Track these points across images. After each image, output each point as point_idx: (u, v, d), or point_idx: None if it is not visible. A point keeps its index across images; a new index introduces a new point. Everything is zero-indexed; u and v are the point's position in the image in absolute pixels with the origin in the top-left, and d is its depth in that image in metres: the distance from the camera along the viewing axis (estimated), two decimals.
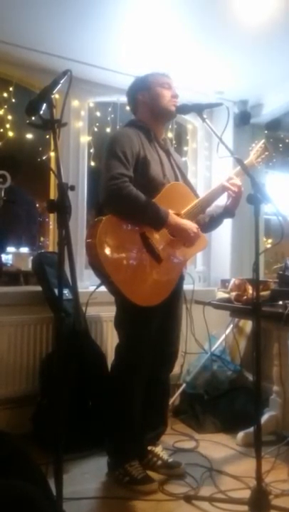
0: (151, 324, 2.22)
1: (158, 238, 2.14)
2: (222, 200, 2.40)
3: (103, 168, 2.16)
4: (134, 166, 2.17)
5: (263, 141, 2.51)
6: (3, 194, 2.82)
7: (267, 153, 2.50)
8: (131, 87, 2.40)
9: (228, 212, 2.41)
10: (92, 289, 2.38)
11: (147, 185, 2.16)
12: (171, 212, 2.15)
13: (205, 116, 2.10)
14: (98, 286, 2.23)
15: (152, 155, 2.26)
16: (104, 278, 2.09)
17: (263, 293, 2.58)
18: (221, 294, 2.94)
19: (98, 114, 3.36)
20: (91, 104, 3.33)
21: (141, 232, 2.11)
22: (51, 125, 1.57)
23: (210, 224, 2.43)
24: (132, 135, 2.23)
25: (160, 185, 2.22)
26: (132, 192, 2.06)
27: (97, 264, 2.06)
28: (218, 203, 2.40)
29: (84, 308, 2.39)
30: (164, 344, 2.36)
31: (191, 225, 2.20)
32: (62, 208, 1.50)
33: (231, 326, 3.45)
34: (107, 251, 2.02)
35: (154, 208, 2.10)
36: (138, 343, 2.23)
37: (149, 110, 2.33)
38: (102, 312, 2.97)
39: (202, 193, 2.45)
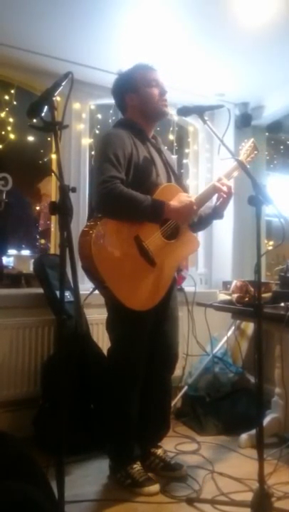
0: (144, 326, 2.21)
1: (151, 241, 2.12)
2: (211, 201, 2.39)
3: (95, 171, 2.15)
4: (127, 167, 2.15)
5: (251, 140, 2.50)
6: (4, 196, 2.82)
7: (256, 152, 2.49)
8: (116, 87, 2.35)
9: (217, 213, 2.40)
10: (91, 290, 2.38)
11: (141, 187, 2.14)
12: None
13: (206, 118, 2.09)
14: (93, 291, 2.21)
15: (145, 155, 2.25)
16: (99, 283, 2.07)
17: (264, 295, 2.58)
18: (223, 296, 2.94)
19: (99, 116, 3.37)
20: (92, 107, 3.34)
21: (135, 236, 2.09)
22: (52, 127, 1.56)
23: (198, 224, 2.41)
24: (124, 136, 2.20)
25: (154, 186, 2.20)
26: (123, 191, 2.04)
27: (91, 268, 2.02)
28: (207, 204, 2.38)
29: (85, 311, 2.40)
30: (164, 346, 2.36)
31: (184, 199, 2.17)
32: (63, 210, 1.49)
33: (233, 327, 3.44)
34: (101, 255, 1.99)
35: (149, 200, 2.08)
36: (130, 345, 2.21)
37: (139, 111, 2.31)
38: (103, 314, 2.96)
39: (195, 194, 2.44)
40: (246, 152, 2.46)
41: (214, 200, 2.39)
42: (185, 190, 2.39)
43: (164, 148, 2.49)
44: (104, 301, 2.27)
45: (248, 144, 2.47)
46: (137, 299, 2.07)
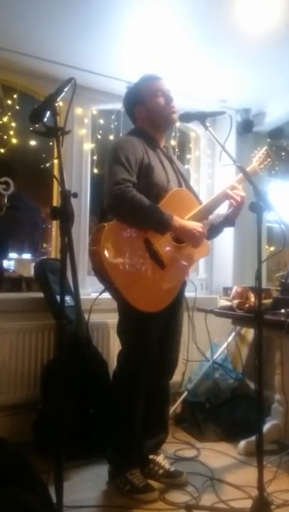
0: (154, 331, 2.22)
1: (161, 244, 2.14)
2: (222, 209, 2.40)
3: (107, 174, 2.17)
4: (138, 172, 2.17)
5: (265, 147, 2.51)
6: (6, 200, 2.83)
7: (269, 159, 2.50)
8: (125, 101, 2.41)
9: (228, 221, 2.41)
10: (94, 295, 2.38)
11: (151, 192, 2.17)
12: (174, 215, 2.15)
13: (208, 124, 2.10)
14: (101, 293, 2.22)
15: (156, 162, 2.27)
16: (109, 284, 2.08)
17: (265, 301, 2.58)
18: (223, 302, 2.94)
19: (101, 121, 3.38)
20: (94, 112, 3.35)
21: (144, 238, 2.12)
22: (55, 132, 1.57)
23: (210, 232, 2.42)
24: (135, 142, 2.24)
25: (163, 192, 2.22)
26: (135, 196, 2.07)
27: (101, 270, 2.05)
28: (218, 212, 2.40)
29: (86, 315, 2.40)
30: (165, 351, 2.36)
31: (195, 225, 2.19)
32: (65, 215, 1.50)
33: (233, 334, 3.44)
34: (111, 257, 2.02)
35: (158, 211, 2.11)
36: (141, 350, 2.22)
37: (149, 122, 2.34)
38: (104, 319, 2.97)
39: (205, 200, 2.45)
40: (259, 159, 2.46)
41: (225, 207, 2.39)
42: (196, 196, 2.40)
43: (175, 158, 2.51)
44: (117, 304, 2.28)
45: (261, 152, 2.48)
46: (145, 301, 2.08)
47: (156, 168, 2.25)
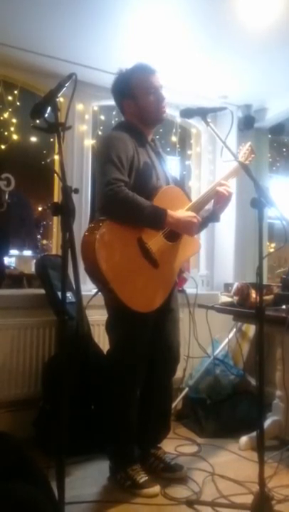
0: (145, 327, 2.21)
1: (154, 243, 2.13)
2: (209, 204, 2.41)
3: (98, 173, 2.15)
4: (129, 170, 2.16)
5: (248, 143, 2.53)
6: (7, 197, 2.83)
7: (253, 155, 2.52)
8: (114, 89, 2.34)
9: (214, 216, 2.41)
10: (95, 292, 2.38)
11: (142, 190, 2.15)
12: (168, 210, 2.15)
13: (209, 120, 2.09)
14: (96, 293, 2.21)
15: (145, 159, 2.26)
16: (103, 285, 2.05)
17: (266, 297, 2.58)
18: (224, 298, 2.94)
19: (102, 117, 3.38)
20: (95, 108, 3.34)
21: (138, 237, 2.10)
22: (56, 128, 1.57)
23: None
24: (126, 139, 2.21)
25: (154, 190, 2.21)
26: (128, 195, 2.05)
27: (95, 270, 2.02)
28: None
29: (87, 312, 2.40)
30: (164, 348, 2.36)
31: (189, 215, 2.19)
32: (66, 211, 1.50)
33: (234, 330, 3.44)
34: (105, 257, 1.99)
35: (152, 208, 2.10)
36: (131, 347, 2.21)
37: (137, 118, 2.32)
38: (105, 315, 2.96)
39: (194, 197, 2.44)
40: (244, 156, 2.48)
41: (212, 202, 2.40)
42: (186, 192, 2.40)
43: (161, 151, 2.49)
44: (105, 302, 2.27)
45: (245, 148, 2.50)
46: (140, 301, 2.07)
47: (146, 165, 2.24)
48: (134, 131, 2.29)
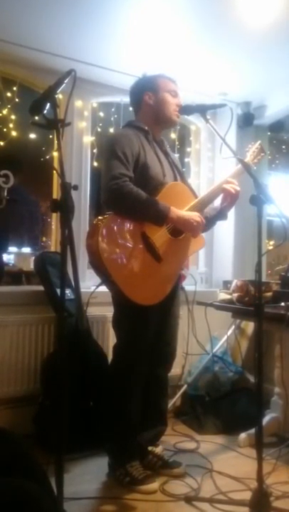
0: (149, 323, 2.23)
1: (158, 237, 2.15)
2: (216, 202, 2.42)
3: (104, 168, 2.18)
4: (134, 166, 2.18)
5: (258, 142, 2.54)
6: (6, 193, 2.82)
7: (263, 154, 2.53)
8: (137, 85, 2.40)
9: (222, 214, 2.43)
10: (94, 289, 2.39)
11: (147, 185, 2.17)
12: (172, 207, 2.16)
13: (208, 117, 2.10)
14: (98, 286, 2.23)
15: (152, 156, 2.27)
16: (105, 277, 2.09)
17: (265, 294, 2.58)
18: (223, 295, 2.94)
19: (101, 114, 3.37)
20: (94, 105, 3.33)
21: (141, 232, 2.12)
22: (55, 125, 1.56)
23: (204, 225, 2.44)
24: (131, 136, 2.24)
25: (160, 185, 2.23)
26: (132, 190, 2.08)
27: (98, 263, 2.06)
28: (211, 205, 2.41)
29: (86, 308, 2.40)
30: (161, 343, 2.37)
31: (193, 214, 2.21)
32: (65, 208, 1.49)
33: (233, 327, 3.44)
34: (108, 250, 2.02)
35: (155, 204, 2.12)
36: (136, 343, 2.23)
37: (153, 113, 2.35)
38: (103, 312, 2.97)
39: (201, 193, 2.45)
40: (253, 154, 2.48)
41: (218, 200, 2.41)
42: (191, 190, 2.40)
43: (170, 151, 2.51)
44: (111, 297, 2.29)
45: (254, 146, 2.50)
46: (142, 294, 2.09)
47: (153, 161, 2.25)
48: (142, 129, 2.32)
